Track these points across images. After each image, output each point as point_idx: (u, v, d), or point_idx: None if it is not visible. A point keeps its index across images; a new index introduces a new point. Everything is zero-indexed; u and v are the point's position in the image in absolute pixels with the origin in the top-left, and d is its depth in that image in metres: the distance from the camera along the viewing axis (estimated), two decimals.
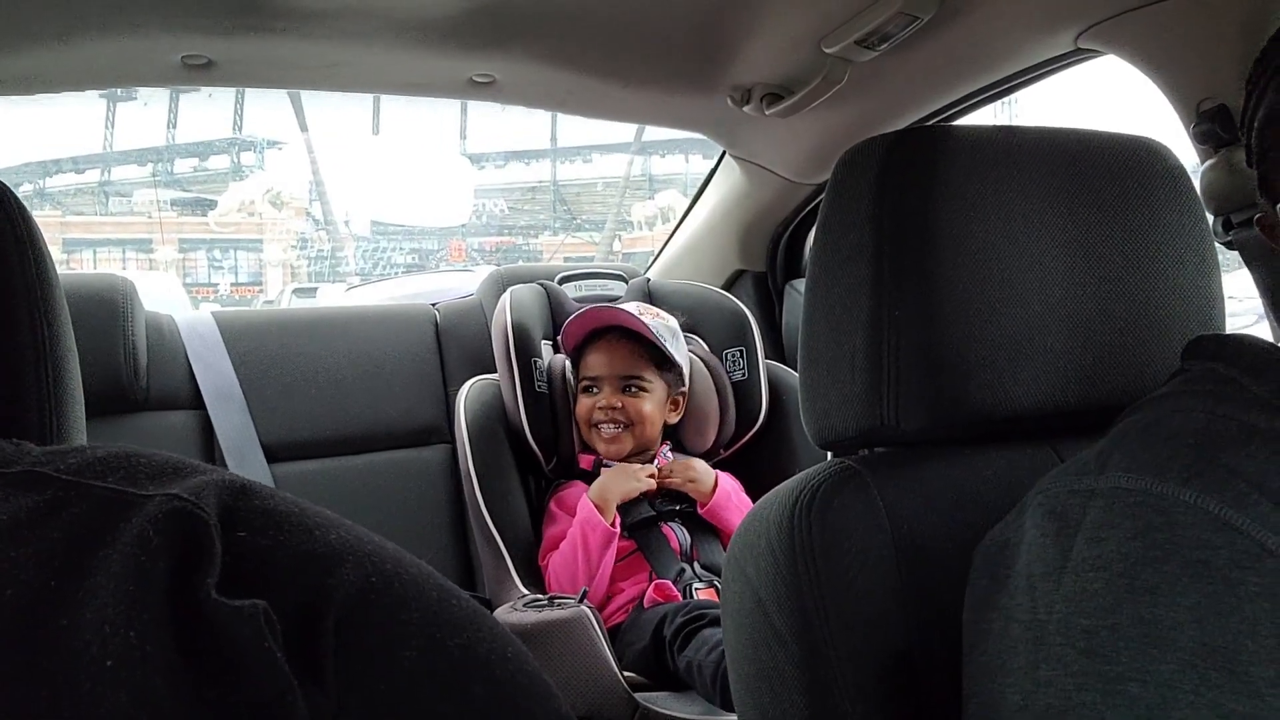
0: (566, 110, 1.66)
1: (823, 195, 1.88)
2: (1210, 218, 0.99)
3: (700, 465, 1.69)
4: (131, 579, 0.32)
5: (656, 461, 1.69)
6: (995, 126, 0.79)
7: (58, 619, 0.32)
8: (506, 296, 1.76)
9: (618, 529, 1.55)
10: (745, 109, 1.50)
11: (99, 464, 0.37)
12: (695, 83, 1.49)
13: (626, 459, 1.68)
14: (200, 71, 1.39)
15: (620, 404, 1.66)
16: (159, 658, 0.31)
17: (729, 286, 2.07)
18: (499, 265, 2.08)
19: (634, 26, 1.31)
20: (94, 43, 1.27)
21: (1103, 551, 0.51)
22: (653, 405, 1.68)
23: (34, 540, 0.33)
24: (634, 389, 1.68)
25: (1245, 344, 0.63)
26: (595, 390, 1.69)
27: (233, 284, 18.15)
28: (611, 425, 1.66)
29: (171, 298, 7.39)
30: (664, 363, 1.70)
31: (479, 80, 1.50)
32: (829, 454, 0.86)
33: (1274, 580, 0.47)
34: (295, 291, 13.05)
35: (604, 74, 1.47)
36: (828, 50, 1.27)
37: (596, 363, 1.70)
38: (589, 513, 1.54)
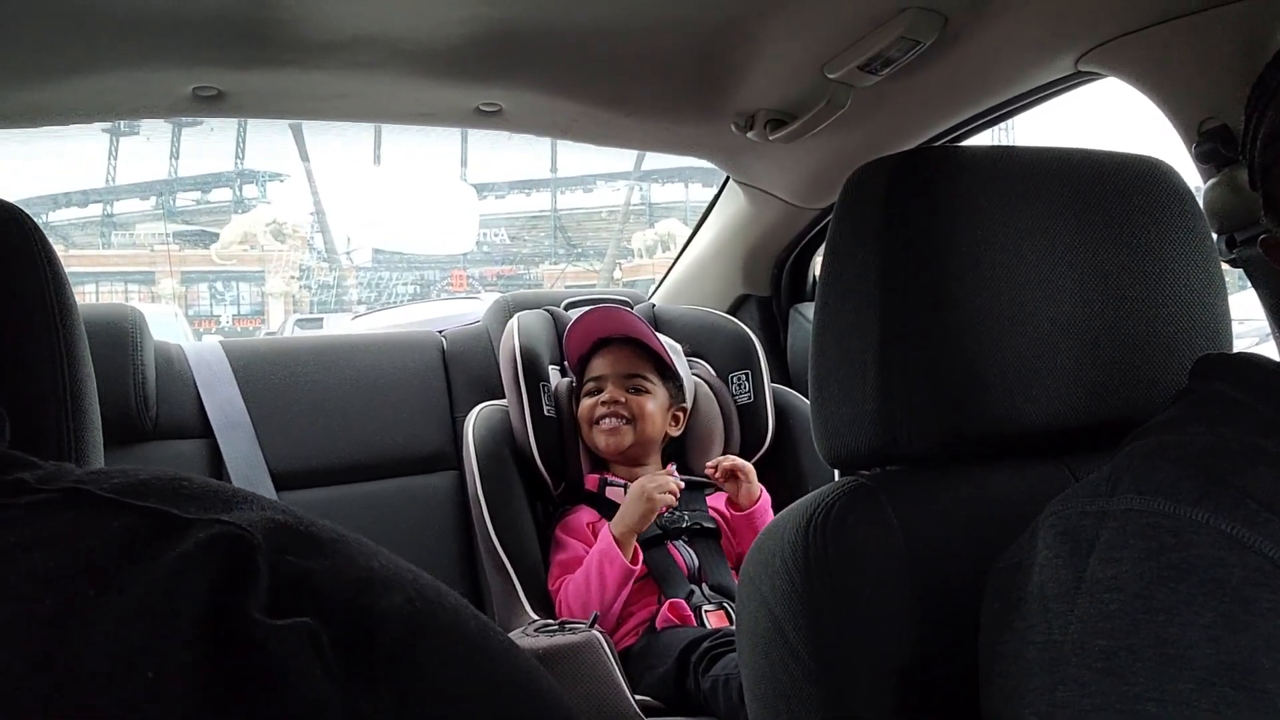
0: (571, 138, 1.67)
1: (827, 219, 1.90)
2: (1214, 236, 1.00)
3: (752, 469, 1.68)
4: (175, 594, 0.33)
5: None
6: (1001, 146, 0.80)
7: (96, 626, 0.32)
8: (514, 322, 1.77)
9: (638, 565, 1.54)
10: (749, 135, 1.51)
11: (142, 486, 0.37)
12: (699, 109, 1.51)
13: (625, 458, 1.69)
14: (210, 102, 1.41)
15: (623, 399, 1.68)
16: (199, 673, 0.32)
17: (734, 311, 2.08)
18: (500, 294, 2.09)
19: (638, 55, 1.32)
20: (106, 75, 1.29)
21: (1118, 572, 0.52)
22: (654, 406, 1.70)
23: (75, 551, 0.34)
24: (636, 388, 1.70)
25: (1252, 364, 0.63)
26: (599, 391, 1.71)
27: (234, 316, 18.20)
28: (613, 418, 1.68)
29: (174, 330, 7.40)
30: (665, 371, 1.73)
31: (485, 109, 1.52)
32: (837, 474, 0.86)
33: None
34: (298, 322, 13.05)
35: (608, 102, 1.49)
36: (831, 76, 1.29)
37: (600, 365, 1.74)
38: (608, 545, 1.53)
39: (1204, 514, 0.51)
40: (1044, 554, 0.57)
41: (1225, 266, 0.98)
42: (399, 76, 1.36)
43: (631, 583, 1.53)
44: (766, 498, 1.68)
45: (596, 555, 1.53)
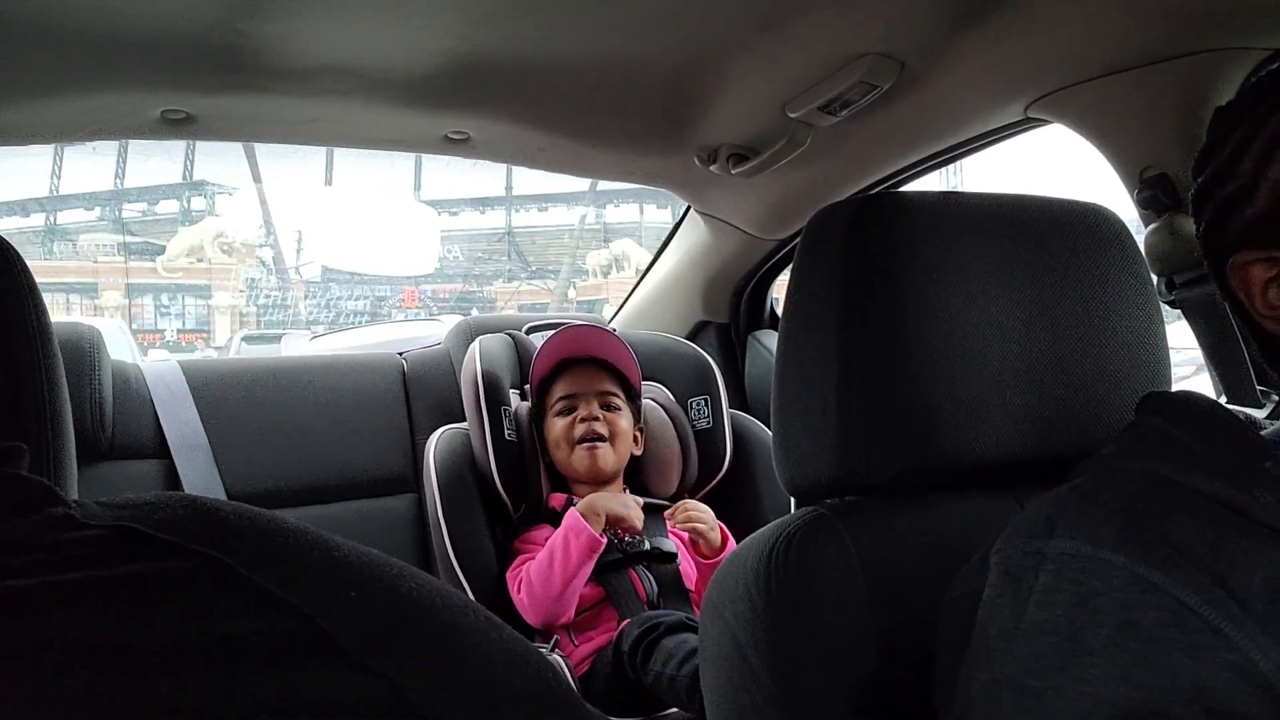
0: (537, 166, 1.69)
1: (785, 249, 1.94)
2: (1154, 278, 1.05)
3: (711, 513, 1.66)
4: None
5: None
6: (953, 192, 0.84)
7: None
8: (476, 346, 1.77)
9: (604, 540, 1.53)
10: (711, 168, 1.55)
11: (188, 523, 0.35)
12: (664, 143, 1.54)
13: (594, 477, 1.69)
14: (179, 126, 1.41)
15: (600, 416, 1.68)
16: None
17: (692, 337, 2.11)
18: (455, 312, 2.09)
19: (605, 88, 1.35)
20: (74, 98, 1.28)
21: (1051, 615, 0.56)
22: (627, 424, 1.71)
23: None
24: (609, 404, 1.71)
25: (1190, 402, 0.67)
26: (573, 409, 1.70)
27: (179, 330, 17.87)
28: (594, 438, 1.66)
29: (120, 345, 7.23)
30: (629, 391, 1.75)
31: (453, 137, 1.53)
32: (793, 500, 0.89)
33: (1194, 637, 0.51)
34: (245, 339, 12.76)
35: (575, 133, 1.51)
36: (792, 115, 1.33)
37: (570, 384, 1.72)
38: (575, 520, 1.52)
39: (1122, 558, 0.55)
40: (989, 592, 0.61)
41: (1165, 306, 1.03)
42: (369, 104, 1.37)
43: (595, 559, 1.51)
44: (732, 542, 1.66)
45: (562, 531, 1.52)
